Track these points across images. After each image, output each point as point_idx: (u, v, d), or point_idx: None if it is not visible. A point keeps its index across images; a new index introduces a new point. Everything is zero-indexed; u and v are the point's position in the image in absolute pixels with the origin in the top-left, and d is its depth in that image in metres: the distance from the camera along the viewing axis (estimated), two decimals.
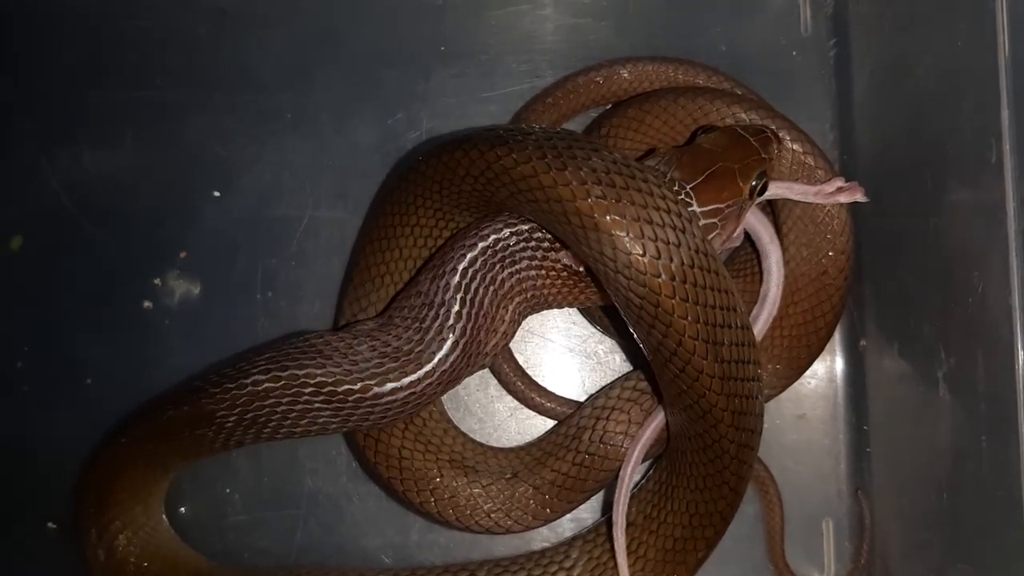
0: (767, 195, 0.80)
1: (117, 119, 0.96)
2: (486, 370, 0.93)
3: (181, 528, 0.91)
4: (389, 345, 0.77)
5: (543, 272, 0.79)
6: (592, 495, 0.88)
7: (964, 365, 0.73)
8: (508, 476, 0.86)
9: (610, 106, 0.94)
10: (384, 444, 0.84)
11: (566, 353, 0.96)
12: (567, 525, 0.93)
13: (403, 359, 0.76)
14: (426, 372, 0.76)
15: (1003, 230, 0.65)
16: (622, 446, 0.85)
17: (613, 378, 0.92)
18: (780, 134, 0.82)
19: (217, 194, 0.96)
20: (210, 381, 0.77)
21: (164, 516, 0.90)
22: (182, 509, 0.93)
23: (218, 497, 0.93)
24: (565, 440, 0.88)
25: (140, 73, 0.96)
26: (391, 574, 0.90)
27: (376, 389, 0.75)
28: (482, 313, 0.78)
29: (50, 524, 0.92)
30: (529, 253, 0.78)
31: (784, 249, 0.87)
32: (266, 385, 0.75)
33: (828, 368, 0.95)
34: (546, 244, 0.78)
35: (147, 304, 0.95)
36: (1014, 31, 0.64)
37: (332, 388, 0.75)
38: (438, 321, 0.76)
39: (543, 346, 0.95)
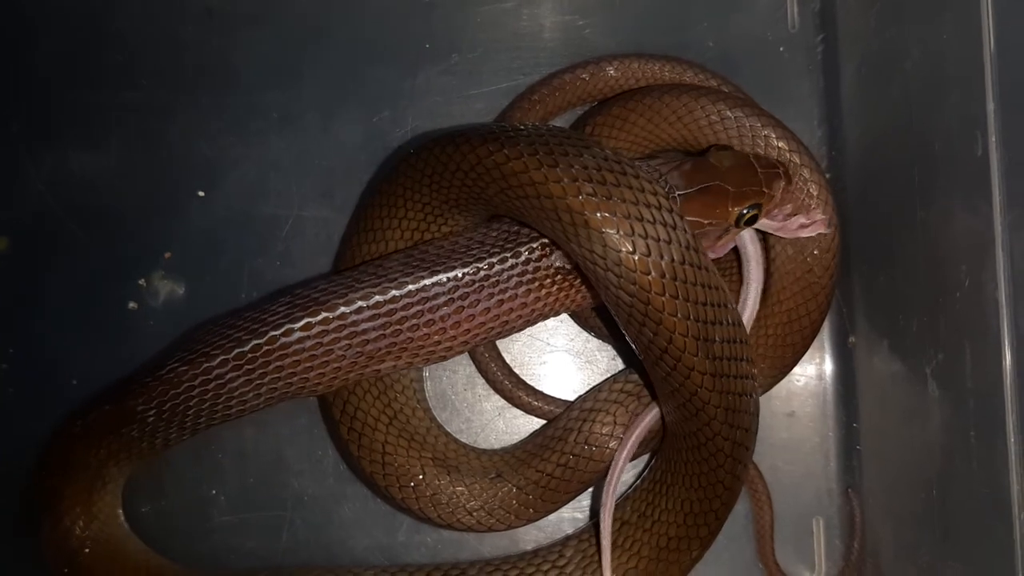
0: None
1: (102, 119, 0.95)
2: (473, 368, 0.93)
3: (163, 528, 0.91)
4: (306, 296, 0.77)
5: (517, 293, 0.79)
6: (576, 496, 0.88)
7: (953, 361, 0.72)
8: (492, 476, 0.86)
9: (596, 103, 0.94)
10: (368, 439, 0.83)
11: (554, 352, 0.95)
12: (564, 525, 0.92)
13: (310, 304, 0.75)
14: (324, 318, 0.75)
15: (990, 224, 0.64)
16: (607, 447, 0.85)
17: (602, 378, 0.92)
18: (794, 176, 0.82)
19: (202, 194, 0.95)
20: (129, 379, 0.80)
21: (126, 526, 0.89)
22: (163, 506, 0.92)
23: (203, 498, 0.93)
24: (550, 441, 0.87)
25: (125, 73, 0.96)
26: (380, 570, 0.89)
27: (283, 339, 0.75)
28: (428, 314, 0.77)
29: None
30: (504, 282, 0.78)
31: (769, 247, 0.87)
32: (179, 369, 0.76)
33: (817, 366, 0.94)
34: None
35: (132, 305, 0.94)
36: (999, 24, 0.64)
37: (240, 351, 0.75)
38: (366, 281, 0.75)
39: (531, 345, 0.95)
